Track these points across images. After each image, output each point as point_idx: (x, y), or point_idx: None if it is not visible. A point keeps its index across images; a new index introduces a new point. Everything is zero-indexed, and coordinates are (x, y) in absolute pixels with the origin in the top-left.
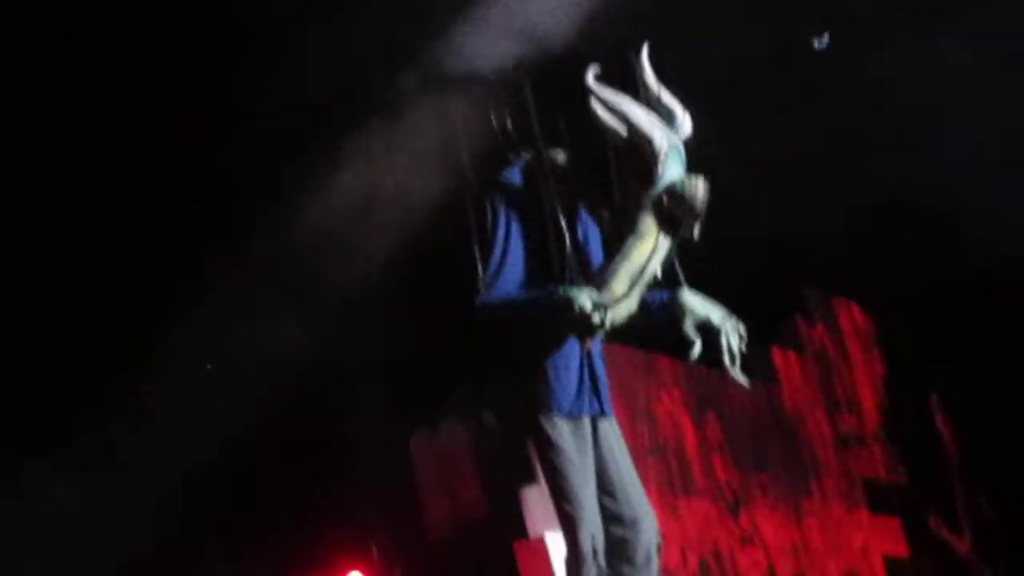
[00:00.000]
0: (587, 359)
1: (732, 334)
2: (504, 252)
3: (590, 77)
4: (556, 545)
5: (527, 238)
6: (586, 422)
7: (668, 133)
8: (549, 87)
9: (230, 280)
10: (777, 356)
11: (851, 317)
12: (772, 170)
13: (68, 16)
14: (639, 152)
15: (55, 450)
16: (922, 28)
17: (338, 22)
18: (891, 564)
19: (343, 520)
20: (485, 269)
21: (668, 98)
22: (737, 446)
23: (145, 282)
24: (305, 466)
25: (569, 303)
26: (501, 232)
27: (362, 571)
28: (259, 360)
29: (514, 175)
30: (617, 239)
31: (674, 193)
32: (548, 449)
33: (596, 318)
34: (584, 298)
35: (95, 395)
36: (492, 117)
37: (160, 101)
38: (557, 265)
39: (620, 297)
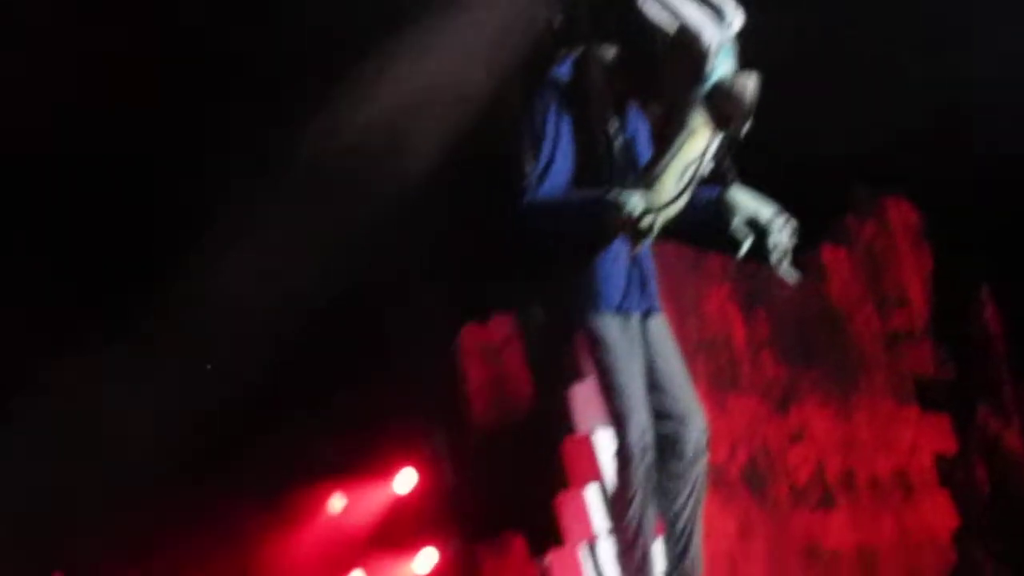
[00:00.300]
0: (635, 256)
1: (782, 231)
2: (553, 149)
3: None
4: (604, 442)
5: (576, 135)
6: (635, 319)
7: (718, 29)
8: None
9: (282, 172)
10: (827, 253)
11: (900, 213)
12: (823, 67)
13: None
14: (688, 49)
15: (127, 333)
16: None
17: None
18: (941, 461)
19: (396, 418)
20: (534, 167)
21: None
22: (786, 342)
23: (202, 167)
24: (357, 365)
25: (619, 207)
26: (550, 129)
27: (415, 467)
28: (309, 256)
29: (564, 72)
30: (666, 136)
31: (723, 90)
32: (597, 346)
33: (646, 223)
34: (634, 202)
35: (149, 282)
36: (542, 13)
37: None
38: (606, 162)
39: (669, 197)
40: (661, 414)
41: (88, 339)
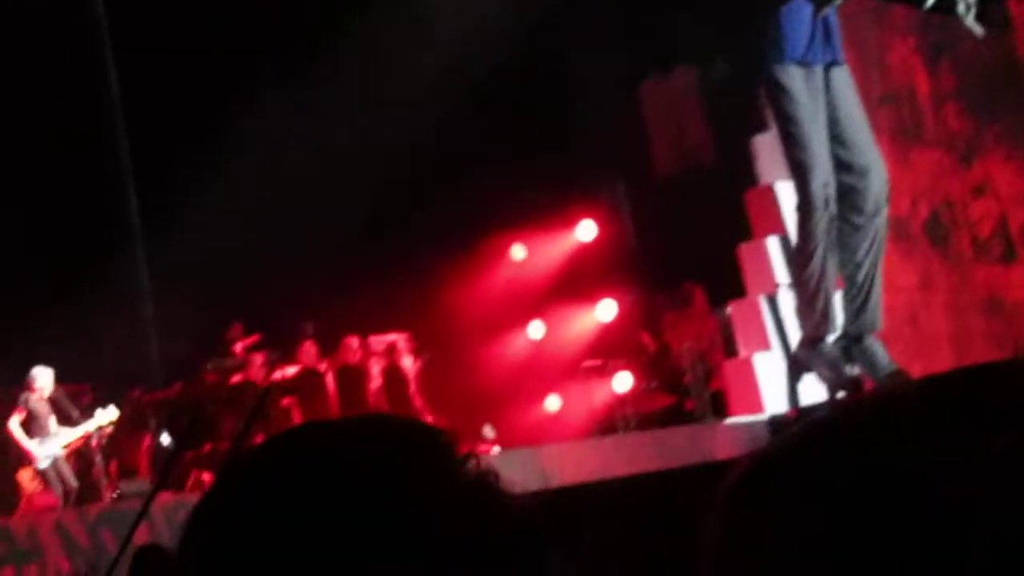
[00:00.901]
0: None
1: None
2: None
3: None
4: (786, 193)
5: None
6: (818, 70)
7: None
8: None
9: None
10: (1014, 5)
11: None
12: None
13: None
14: None
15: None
16: None
17: None
18: None
19: (578, 170)
20: None
21: None
22: (971, 95)
23: None
24: (542, 117)
25: None
26: None
27: (596, 218)
28: (489, 14)
29: None
30: None
31: None
32: (780, 96)
33: None
34: None
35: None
36: None
37: None
38: None
39: None
40: (843, 166)
41: (275, 86)
